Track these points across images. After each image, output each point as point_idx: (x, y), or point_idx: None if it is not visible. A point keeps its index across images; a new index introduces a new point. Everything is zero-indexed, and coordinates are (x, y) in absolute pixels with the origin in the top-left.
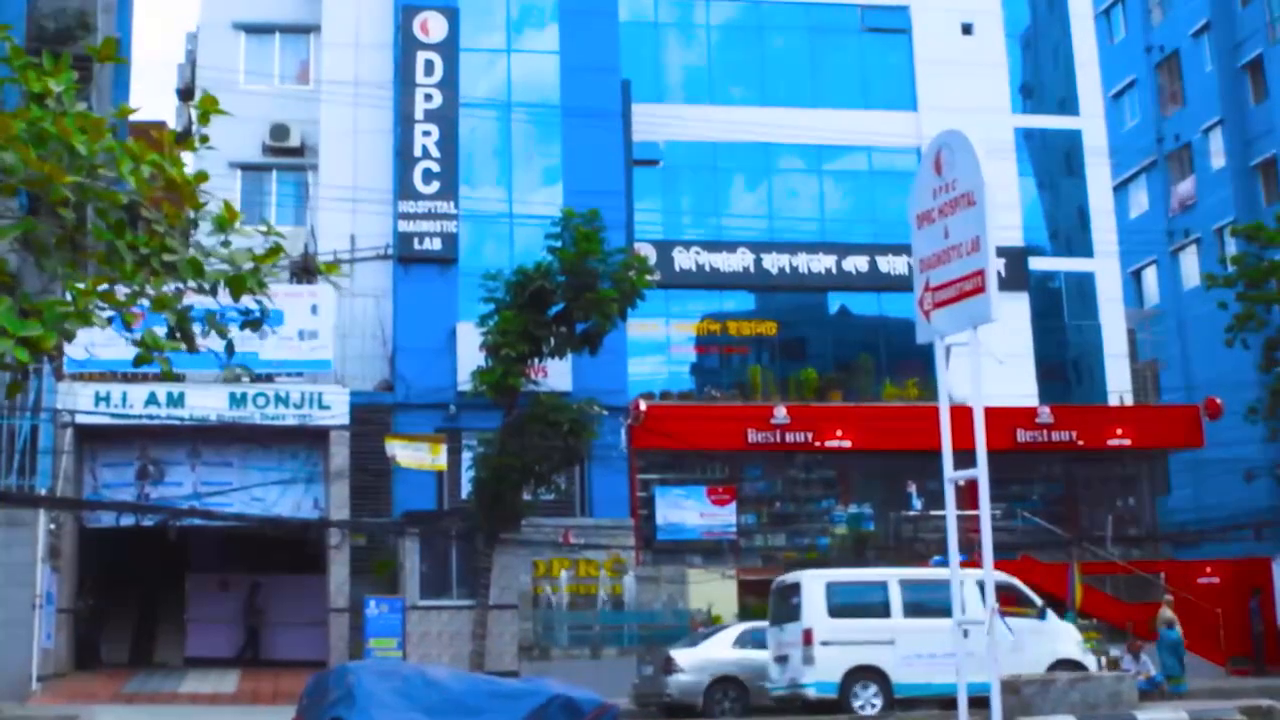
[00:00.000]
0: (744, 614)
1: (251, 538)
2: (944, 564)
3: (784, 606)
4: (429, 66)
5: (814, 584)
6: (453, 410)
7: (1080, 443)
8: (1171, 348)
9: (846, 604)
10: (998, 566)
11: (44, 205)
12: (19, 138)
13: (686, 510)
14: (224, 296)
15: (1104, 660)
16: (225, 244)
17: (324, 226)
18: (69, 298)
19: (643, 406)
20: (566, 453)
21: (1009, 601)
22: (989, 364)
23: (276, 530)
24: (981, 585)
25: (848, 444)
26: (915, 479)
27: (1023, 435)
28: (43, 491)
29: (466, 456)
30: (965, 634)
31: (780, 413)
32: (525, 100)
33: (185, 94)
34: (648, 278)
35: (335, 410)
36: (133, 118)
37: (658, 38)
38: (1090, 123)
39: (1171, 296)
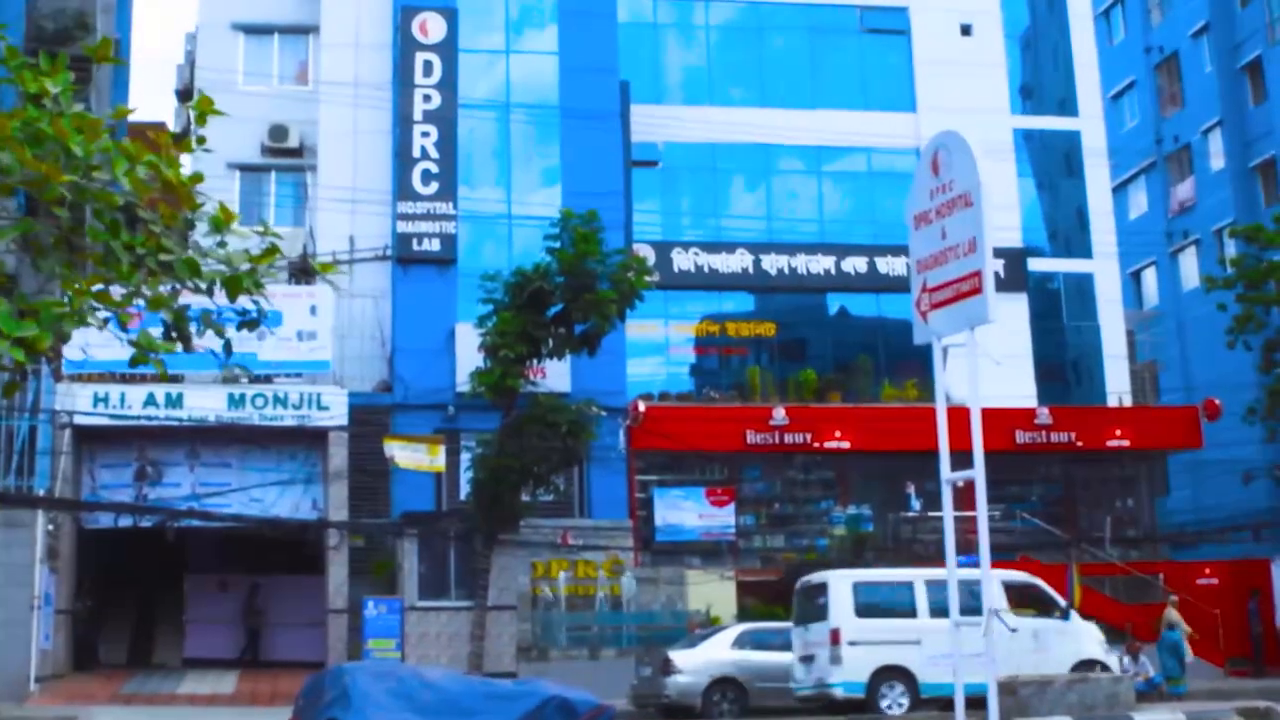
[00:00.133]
0: (743, 615)
1: (250, 538)
2: (968, 564)
3: (809, 606)
4: (428, 67)
5: (841, 584)
6: (451, 411)
7: (1079, 444)
8: (1170, 349)
9: (873, 604)
10: (998, 567)
11: (41, 206)
12: (15, 138)
13: (685, 511)
14: (220, 297)
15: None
16: (222, 244)
17: (323, 227)
18: (65, 298)
19: (641, 407)
20: (565, 454)
21: (1033, 603)
22: (987, 365)
23: (275, 531)
24: (1006, 585)
25: (846, 445)
26: (914, 480)
27: (1021, 436)
28: (41, 492)
29: (465, 457)
30: (985, 632)
31: (779, 414)
32: (524, 101)
33: (184, 95)
34: (646, 279)
35: (334, 411)
36: (132, 118)
37: (657, 38)
38: (1089, 124)
39: (1171, 298)
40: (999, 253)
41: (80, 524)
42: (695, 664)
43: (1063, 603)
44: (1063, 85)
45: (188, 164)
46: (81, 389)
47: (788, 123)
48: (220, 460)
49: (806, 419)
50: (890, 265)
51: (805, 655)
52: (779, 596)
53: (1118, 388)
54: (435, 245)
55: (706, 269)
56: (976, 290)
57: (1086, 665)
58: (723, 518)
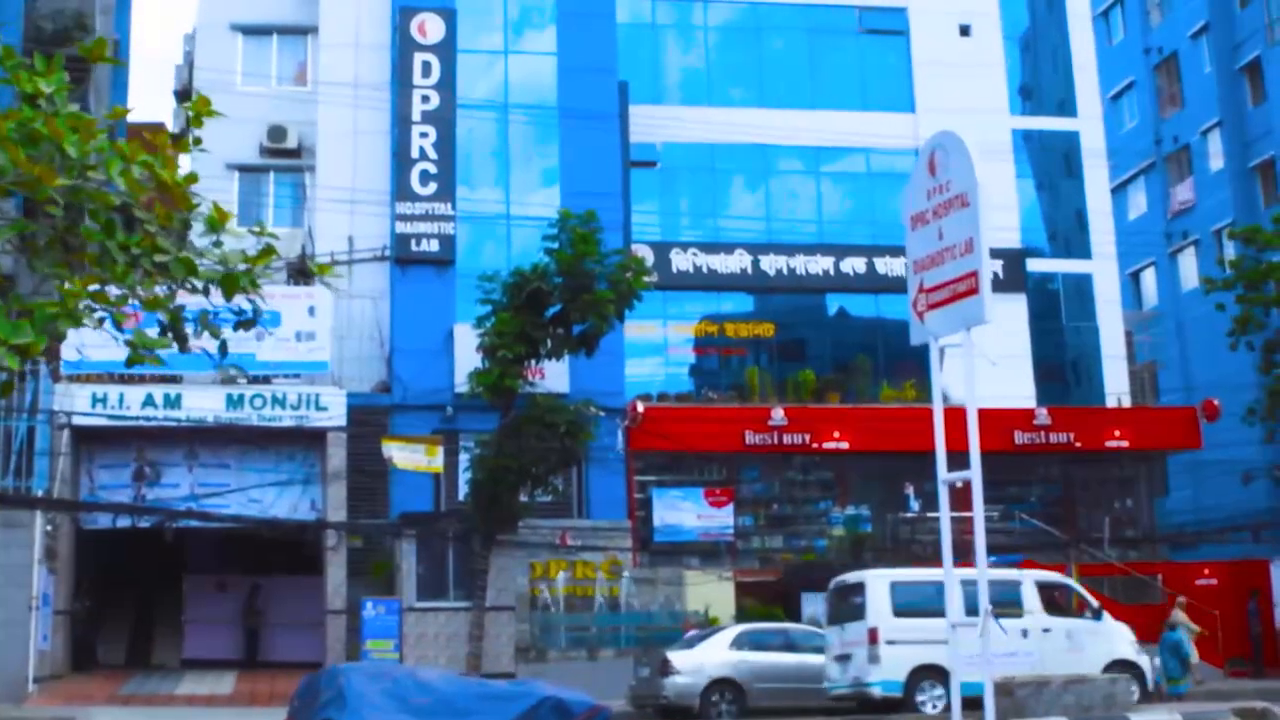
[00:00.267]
0: (741, 616)
1: (249, 539)
2: (1000, 564)
3: (845, 606)
4: (426, 68)
5: (878, 584)
6: (450, 412)
7: (1078, 444)
8: (1170, 349)
9: (910, 603)
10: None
11: (38, 206)
12: (9, 138)
13: (684, 512)
14: (217, 297)
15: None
16: (218, 244)
17: (321, 228)
18: (60, 299)
19: (640, 408)
20: (563, 454)
21: (1066, 603)
22: (984, 365)
23: (273, 532)
24: (1040, 585)
25: (845, 445)
26: (913, 480)
27: (1020, 437)
28: (39, 493)
29: (464, 458)
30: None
31: (778, 414)
32: (523, 102)
33: (183, 95)
34: (645, 279)
35: (332, 412)
36: (132, 119)
37: (656, 39)
38: (1089, 124)
39: (1170, 298)
40: (998, 253)
41: (79, 524)
42: (693, 665)
43: (1095, 603)
44: (1062, 86)
45: (186, 165)
46: (80, 389)
47: (786, 123)
48: (219, 461)
49: (805, 419)
50: (889, 266)
51: (841, 655)
52: (777, 597)
53: (1117, 388)
54: (434, 246)
55: (705, 269)
56: (973, 291)
57: (1119, 665)
58: (721, 518)
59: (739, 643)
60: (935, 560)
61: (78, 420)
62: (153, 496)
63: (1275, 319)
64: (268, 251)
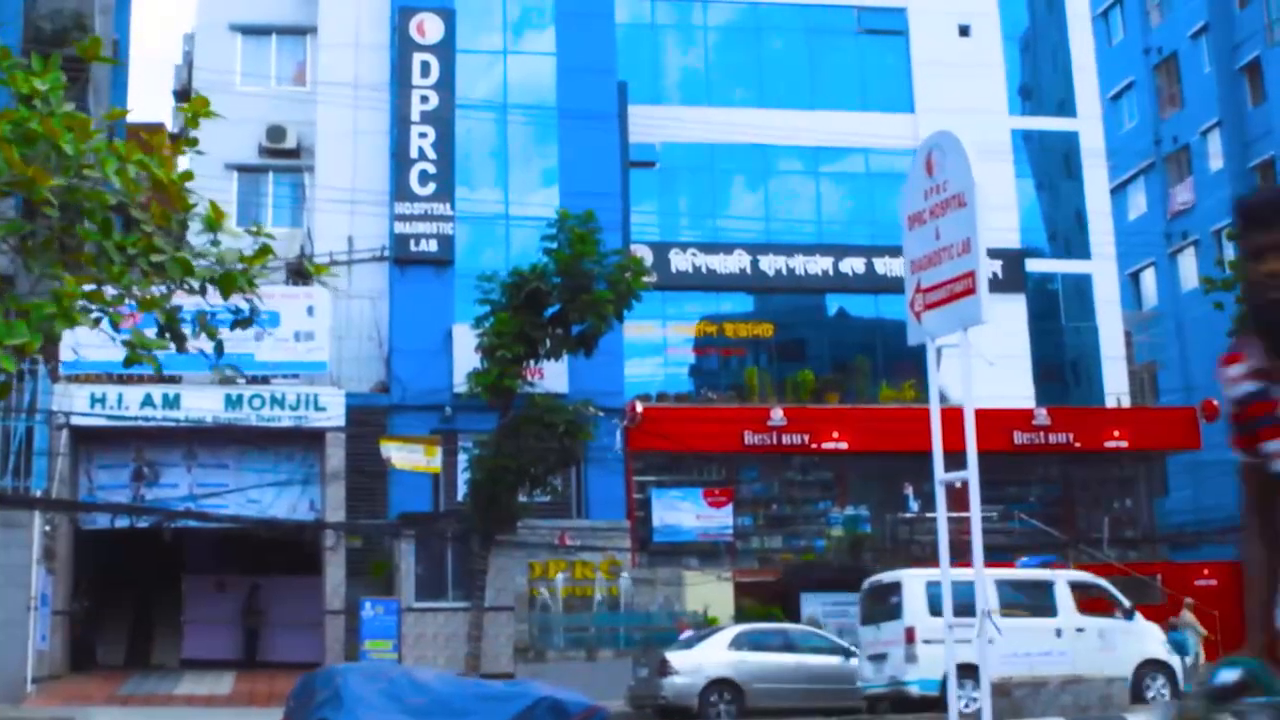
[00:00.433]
0: (740, 616)
1: (248, 539)
2: (1030, 565)
3: (880, 606)
4: (425, 68)
5: (915, 583)
6: (448, 412)
7: (1077, 445)
8: (1169, 349)
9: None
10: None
11: (35, 206)
12: (5, 138)
13: (683, 512)
14: (214, 296)
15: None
16: (215, 244)
17: (320, 228)
18: (54, 299)
19: (639, 408)
20: (562, 454)
21: (1098, 603)
22: (982, 365)
23: (272, 532)
24: (1073, 585)
25: (844, 446)
26: (912, 481)
27: (1020, 437)
28: (38, 493)
29: (462, 458)
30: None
31: (777, 414)
32: (522, 102)
33: (182, 95)
34: (644, 279)
35: (331, 412)
36: (132, 119)
37: (655, 39)
38: (1088, 124)
39: (1170, 298)
40: (998, 254)
41: (77, 525)
42: (692, 665)
43: (1127, 603)
44: (1061, 86)
45: (186, 165)
46: (79, 390)
47: (786, 123)
48: (217, 461)
49: (804, 420)
50: (888, 266)
51: (876, 654)
52: (776, 597)
53: (1116, 389)
54: (433, 246)
55: (704, 270)
56: (970, 291)
57: (1151, 665)
58: (720, 518)
59: (738, 643)
60: (933, 560)
61: (76, 420)
62: (151, 497)
63: None
64: (264, 251)
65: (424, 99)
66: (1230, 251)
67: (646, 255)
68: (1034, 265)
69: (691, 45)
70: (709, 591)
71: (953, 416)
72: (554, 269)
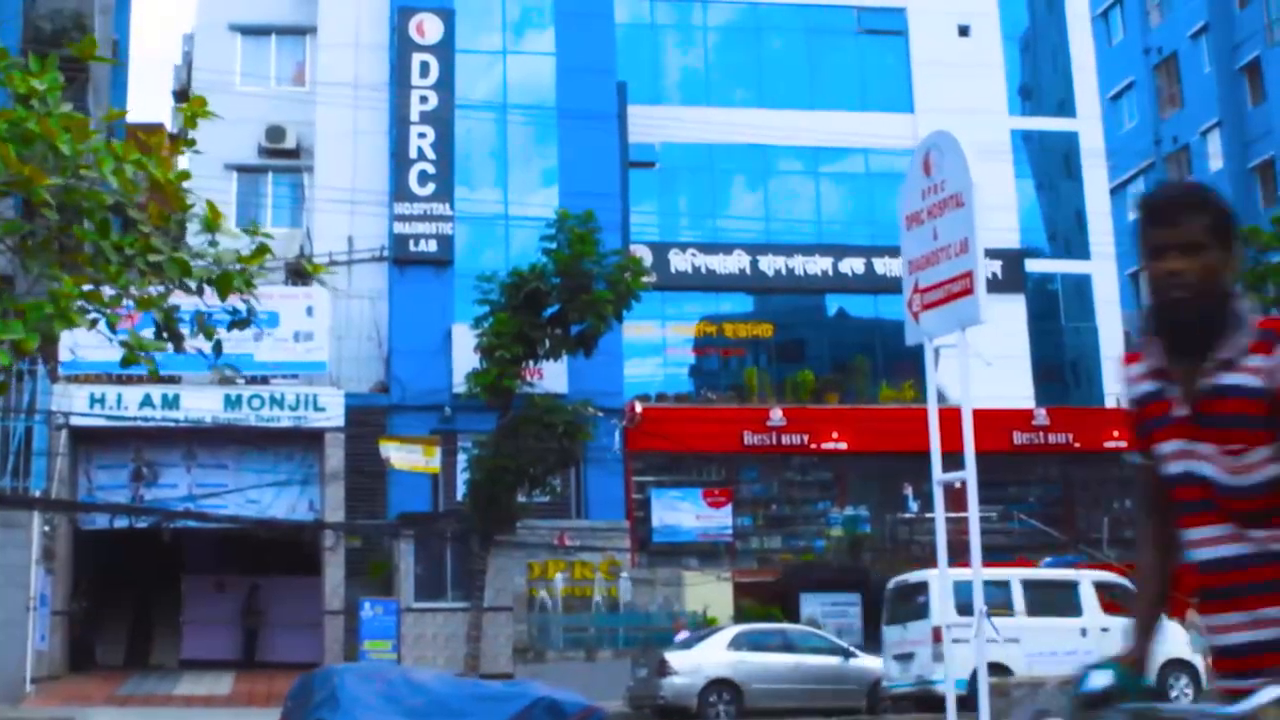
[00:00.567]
0: (739, 616)
1: (247, 539)
2: (1055, 565)
3: (906, 605)
4: (425, 68)
5: (941, 584)
6: (448, 412)
7: (1077, 445)
8: None
9: (973, 602)
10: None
11: (33, 207)
12: (2, 137)
13: (682, 512)
14: (211, 297)
15: None
16: (213, 244)
17: (320, 228)
18: (52, 299)
19: (638, 408)
20: (561, 455)
21: (1123, 603)
22: (980, 366)
23: (271, 532)
24: (1097, 585)
25: (844, 446)
26: (912, 481)
27: (1019, 437)
28: (37, 493)
29: (461, 458)
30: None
31: (776, 415)
32: (521, 102)
33: (181, 95)
34: (643, 279)
35: (330, 412)
36: (132, 119)
37: (655, 39)
38: (1088, 125)
39: None
40: (997, 254)
41: (77, 525)
42: (691, 665)
43: None
44: (1061, 86)
45: (185, 165)
46: (78, 390)
47: (785, 123)
48: (217, 461)
49: (804, 420)
50: (888, 266)
51: (902, 654)
52: (776, 598)
53: (1116, 389)
54: (432, 246)
55: (704, 270)
56: (968, 291)
57: (1176, 665)
58: (720, 519)
59: (737, 643)
60: (933, 562)
61: (75, 420)
62: (151, 497)
63: None
64: (262, 251)
65: (423, 99)
66: None
67: (646, 255)
68: (1034, 265)
69: (691, 45)
70: (708, 592)
71: (952, 417)
72: (553, 269)
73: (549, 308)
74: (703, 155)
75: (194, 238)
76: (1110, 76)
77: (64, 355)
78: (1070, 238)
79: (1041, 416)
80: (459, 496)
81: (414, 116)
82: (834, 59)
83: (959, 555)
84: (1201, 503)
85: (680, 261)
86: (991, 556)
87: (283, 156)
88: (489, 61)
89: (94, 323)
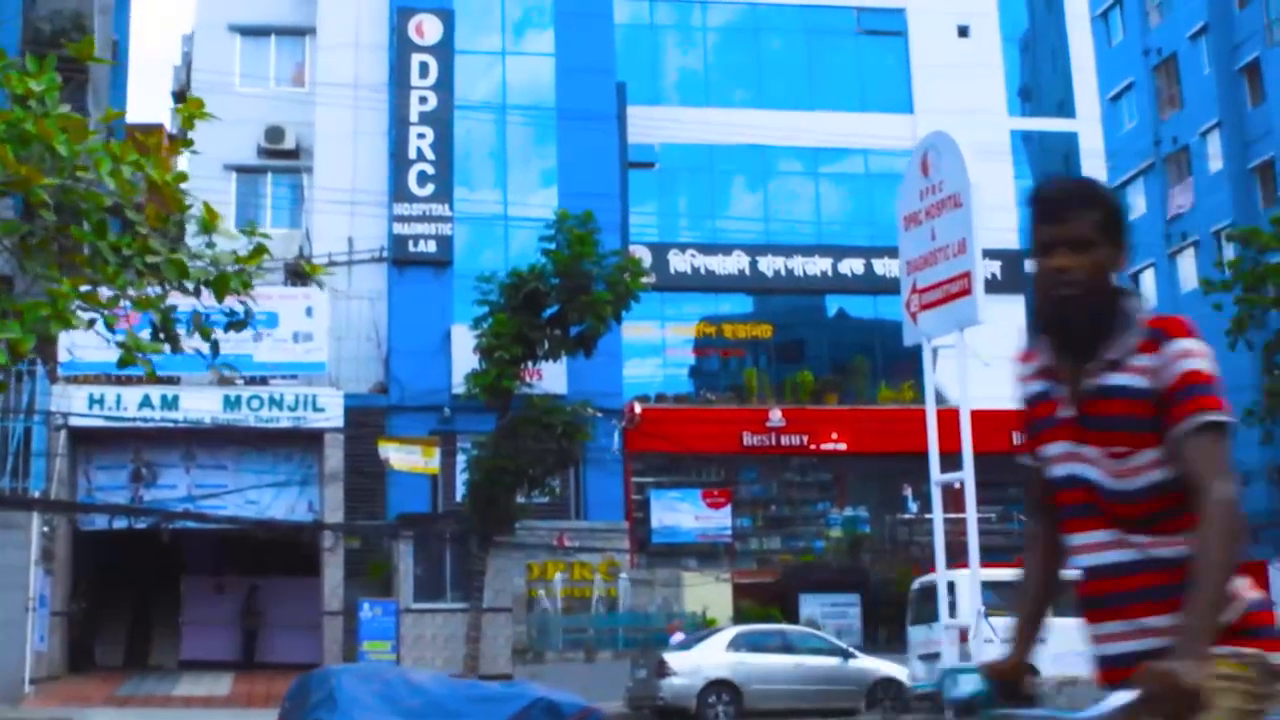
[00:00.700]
0: (739, 617)
1: (247, 540)
2: None
3: (931, 606)
4: (424, 69)
5: (967, 583)
6: (447, 413)
7: None
8: None
9: (999, 603)
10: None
11: (31, 208)
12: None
13: (681, 513)
14: (208, 298)
15: None
16: (210, 245)
17: (319, 229)
18: (50, 299)
19: (637, 409)
20: (561, 455)
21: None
22: (981, 366)
23: (270, 533)
24: None
25: (843, 447)
26: (911, 482)
27: (1019, 438)
28: (36, 494)
29: (461, 459)
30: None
31: (776, 415)
32: (520, 103)
33: (181, 96)
34: (642, 280)
35: (329, 413)
36: (132, 119)
37: (654, 40)
38: (1087, 125)
39: (1169, 299)
40: (997, 254)
41: (76, 526)
42: (691, 666)
43: None
44: (1061, 87)
45: (184, 166)
46: (77, 390)
47: (785, 124)
48: (216, 462)
49: (803, 421)
50: (887, 267)
51: (928, 654)
52: (775, 598)
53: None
54: (431, 247)
55: (703, 270)
56: (966, 291)
57: None
58: (719, 519)
59: (736, 644)
60: (930, 565)
61: (74, 421)
62: (150, 498)
63: (1274, 320)
64: (259, 252)
65: (423, 100)
66: (1231, 253)
67: (645, 256)
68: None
69: (690, 46)
70: (708, 592)
71: (950, 417)
72: (552, 270)
73: (548, 308)
74: (702, 156)
75: (192, 239)
76: (1110, 77)
77: (62, 356)
78: None
79: None
80: (458, 497)
81: (413, 117)
82: (833, 60)
83: (957, 556)
84: (1085, 507)
85: (679, 262)
86: (990, 557)
87: (282, 157)
88: (488, 62)
89: (91, 323)
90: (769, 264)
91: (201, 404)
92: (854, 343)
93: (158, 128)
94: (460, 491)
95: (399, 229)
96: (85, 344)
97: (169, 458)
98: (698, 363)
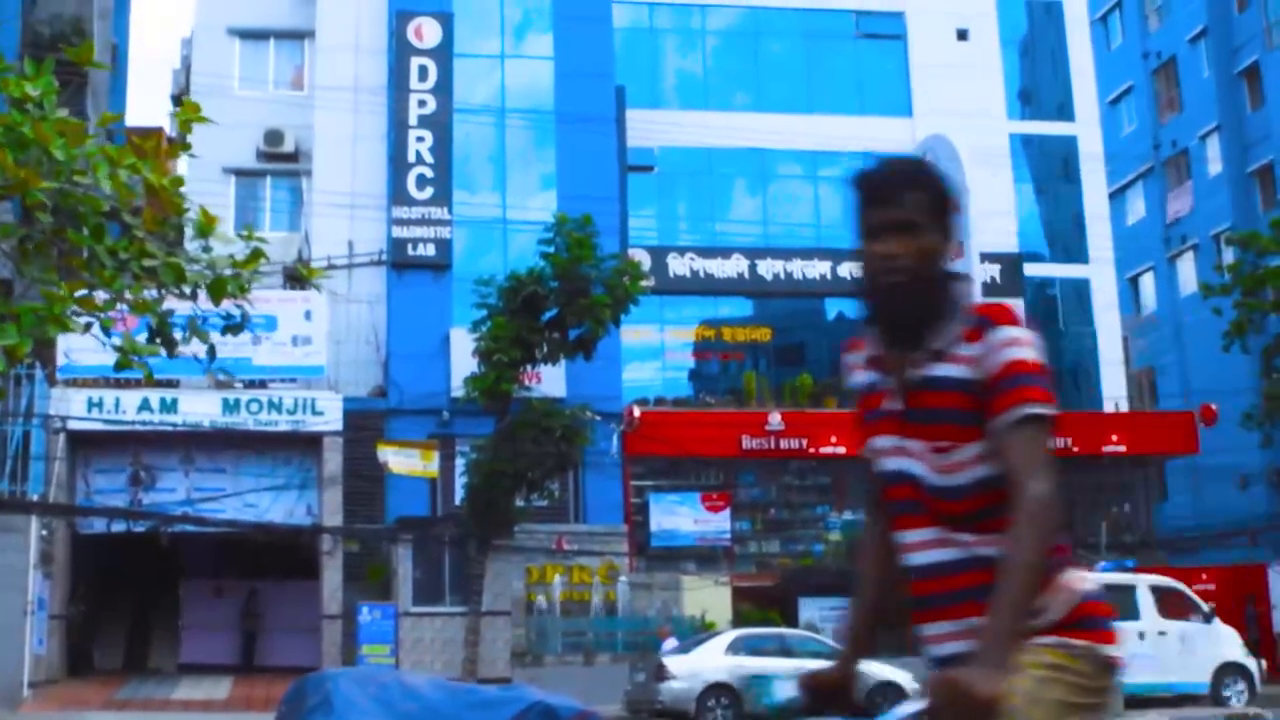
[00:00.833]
0: (738, 620)
1: (246, 544)
2: (1110, 569)
3: None
4: (423, 72)
5: None
6: (446, 416)
7: (1075, 449)
8: (1169, 354)
9: None
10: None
11: (29, 211)
12: None
13: (680, 517)
14: (205, 301)
15: None
16: (207, 249)
17: (319, 232)
18: (45, 303)
19: (636, 413)
20: (560, 459)
21: (1178, 607)
22: None
23: (269, 536)
24: (1154, 589)
25: (842, 450)
26: None
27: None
28: (35, 497)
29: (459, 463)
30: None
31: (775, 419)
32: (519, 106)
33: (180, 100)
34: (641, 283)
35: (328, 416)
36: (132, 123)
37: (653, 44)
38: (1087, 129)
39: (1169, 303)
40: (996, 258)
41: (75, 529)
42: (689, 670)
43: (1206, 607)
44: (1060, 90)
45: (183, 169)
46: (75, 394)
47: (784, 127)
48: (215, 465)
49: (802, 424)
50: None
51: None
52: (774, 602)
53: (1114, 393)
54: (430, 250)
55: (702, 274)
56: None
57: (1230, 668)
58: (718, 523)
59: (735, 648)
60: None
61: (73, 424)
62: (149, 501)
63: (1273, 324)
64: (256, 255)
65: (422, 103)
66: (1230, 256)
67: (644, 259)
68: (1032, 270)
69: (690, 49)
70: (707, 596)
71: None
72: (551, 273)
73: (547, 312)
74: (701, 159)
75: (190, 242)
76: (1109, 81)
77: (60, 359)
78: (1069, 242)
79: None
80: (457, 501)
81: (412, 120)
82: (833, 63)
83: None
84: (912, 503)
85: (679, 265)
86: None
87: (281, 160)
88: (488, 65)
89: (88, 326)
90: (768, 267)
91: (200, 407)
92: None
93: (156, 131)
94: (459, 495)
95: (398, 232)
96: (84, 347)
97: (168, 461)
98: (697, 366)
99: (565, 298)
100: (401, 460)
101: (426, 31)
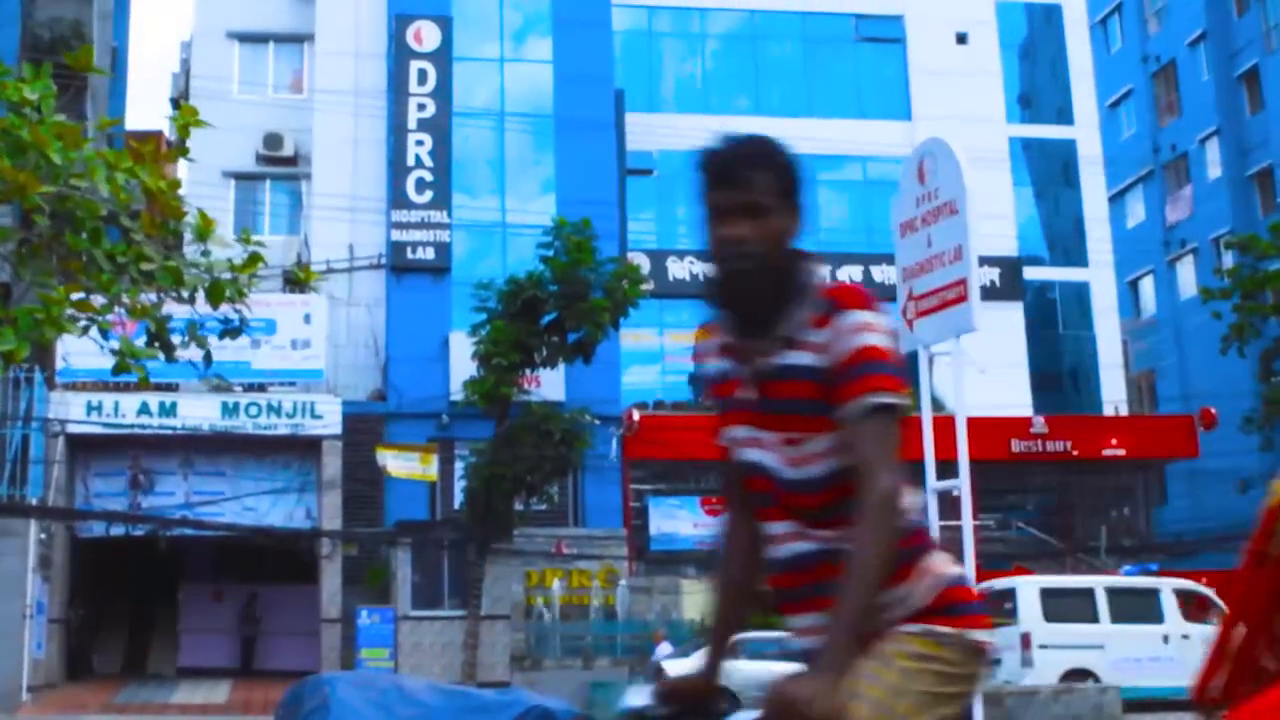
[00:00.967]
0: None
1: (244, 547)
2: (1135, 573)
3: (993, 611)
4: (422, 76)
5: (1029, 590)
6: (445, 420)
7: (1075, 453)
8: (1168, 357)
9: (1059, 609)
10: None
11: (27, 215)
12: None
13: (680, 520)
14: (203, 305)
15: None
16: (205, 253)
17: (318, 236)
18: (43, 306)
19: (636, 416)
20: (559, 463)
21: (1200, 610)
22: (976, 373)
23: (269, 540)
24: (1178, 593)
25: None
26: (910, 489)
27: (1017, 445)
28: (34, 501)
29: (459, 466)
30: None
31: None
32: (519, 110)
33: (179, 103)
34: (640, 287)
35: (327, 420)
36: (131, 126)
37: (653, 48)
38: (1086, 132)
39: (1168, 306)
40: (995, 261)
41: (74, 533)
42: (687, 674)
43: (1227, 610)
44: (1060, 94)
45: (182, 173)
46: (75, 397)
47: (783, 131)
48: (214, 469)
49: None
50: (885, 274)
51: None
52: (773, 606)
53: (1114, 397)
54: (429, 254)
55: (702, 278)
56: (962, 298)
57: None
58: (718, 527)
59: (734, 652)
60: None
61: (72, 428)
62: (148, 504)
63: (1273, 328)
64: (254, 260)
65: (421, 107)
66: (1229, 260)
67: (644, 263)
68: (1032, 273)
69: (689, 53)
70: (706, 600)
71: (947, 425)
72: (551, 277)
73: (546, 315)
74: None
75: (188, 246)
76: (1108, 84)
77: (59, 363)
78: (1068, 245)
79: (1040, 424)
80: (456, 504)
81: (412, 124)
82: (832, 67)
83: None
84: (770, 495)
85: (678, 269)
86: (988, 565)
87: (281, 164)
88: (487, 69)
89: (85, 329)
90: None
91: (199, 411)
92: None
93: (155, 135)
94: (458, 499)
95: (397, 236)
96: (83, 351)
97: (167, 465)
98: (696, 370)
99: (564, 301)
100: (401, 464)
101: (426, 35)
